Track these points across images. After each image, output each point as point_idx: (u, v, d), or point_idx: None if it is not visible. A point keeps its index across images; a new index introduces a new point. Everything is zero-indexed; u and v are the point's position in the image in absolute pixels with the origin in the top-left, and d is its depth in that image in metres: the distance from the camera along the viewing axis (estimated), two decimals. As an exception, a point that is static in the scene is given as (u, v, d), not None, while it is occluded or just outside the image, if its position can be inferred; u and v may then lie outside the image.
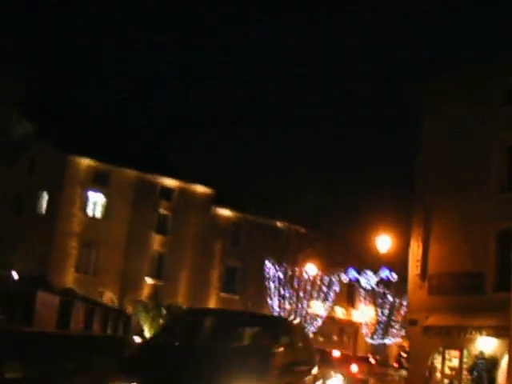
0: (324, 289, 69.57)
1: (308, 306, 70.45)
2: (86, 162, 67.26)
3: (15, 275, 68.14)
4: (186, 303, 71.00)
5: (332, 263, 67.81)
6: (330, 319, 76.36)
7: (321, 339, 76.28)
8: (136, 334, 60.66)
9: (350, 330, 79.61)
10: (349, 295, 79.03)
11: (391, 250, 48.88)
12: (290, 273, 67.52)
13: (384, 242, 48.59)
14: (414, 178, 45.42)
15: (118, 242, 67.96)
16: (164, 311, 63.85)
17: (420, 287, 43.42)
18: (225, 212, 73.45)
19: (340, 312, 79.34)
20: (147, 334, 60.95)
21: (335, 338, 78.38)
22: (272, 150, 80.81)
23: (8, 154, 71.74)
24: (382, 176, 75.49)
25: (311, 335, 71.75)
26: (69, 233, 66.11)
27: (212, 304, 72.95)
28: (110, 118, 74.94)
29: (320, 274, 68.09)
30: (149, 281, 69.36)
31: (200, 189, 72.83)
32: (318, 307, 72.98)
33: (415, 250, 44.24)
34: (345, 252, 68.42)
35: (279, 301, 68.01)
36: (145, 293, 66.93)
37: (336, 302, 76.66)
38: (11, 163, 72.98)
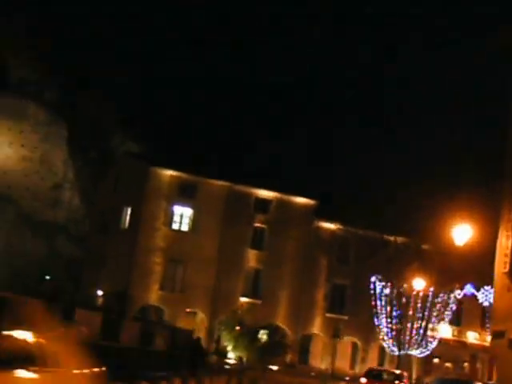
0: (438, 307, 61.22)
1: (427, 328, 62.25)
2: (169, 173, 62.88)
3: (100, 293, 64.70)
4: (287, 324, 64.81)
5: (445, 278, 59.49)
6: (459, 343, 67.52)
7: (448, 365, 67.53)
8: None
9: (484, 356, 70.05)
10: (482, 317, 69.71)
11: (472, 242, 40.73)
12: (397, 290, 59.94)
13: (462, 233, 40.49)
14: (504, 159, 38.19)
15: (207, 257, 62.88)
16: (261, 333, 57.88)
17: (508, 289, 35.68)
18: (328, 225, 66.70)
19: (472, 336, 70.09)
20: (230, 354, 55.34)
21: (466, 364, 69.13)
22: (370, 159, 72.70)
23: (100, 168, 68.74)
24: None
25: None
26: (152, 248, 61.70)
27: (317, 326, 66.12)
28: (195, 126, 70.40)
29: (431, 289, 59.95)
30: (243, 300, 63.62)
31: (300, 200, 66.61)
32: (443, 329, 64.54)
33: (503, 243, 36.60)
34: (460, 264, 59.87)
35: (387, 321, 60.48)
36: (239, 313, 61.24)
37: (467, 325, 67.87)
38: (102, 178, 69.92)
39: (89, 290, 65.39)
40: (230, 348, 55.53)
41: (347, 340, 67.88)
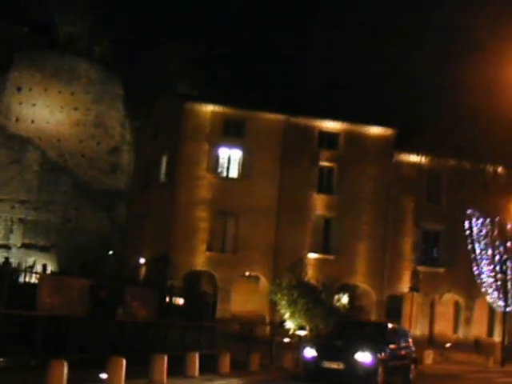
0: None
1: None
2: (210, 109, 51.62)
3: (142, 260, 54.32)
4: (368, 283, 52.94)
5: None
6: None
7: None
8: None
9: None
10: None
11: None
12: (498, 228, 47.02)
13: None
14: None
15: (264, 207, 51.42)
16: (340, 297, 46.25)
17: None
18: (412, 158, 54.01)
19: None
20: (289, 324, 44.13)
21: None
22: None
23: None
24: None
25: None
26: (195, 201, 50.66)
27: (407, 282, 53.78)
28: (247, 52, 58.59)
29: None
30: (312, 256, 51.99)
31: (375, 130, 54.20)
32: None
33: None
34: None
35: (490, 269, 47.69)
36: (308, 272, 49.64)
37: None
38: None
39: (132, 258, 55.24)
40: (287, 316, 44.10)
41: (446, 298, 55.52)
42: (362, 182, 53.30)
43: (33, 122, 67.83)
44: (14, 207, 64.57)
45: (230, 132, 51.73)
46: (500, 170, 49.61)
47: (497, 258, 46.98)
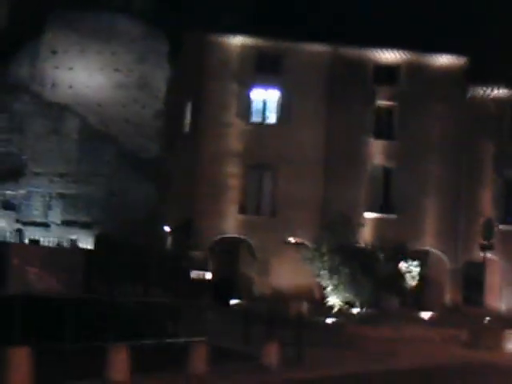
0: None
1: None
2: (240, 42, 42.41)
3: (167, 229, 45.78)
4: (440, 248, 43.40)
5: None
6: None
7: None
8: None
9: None
10: None
11: None
12: None
13: None
14: None
15: (309, 158, 42.22)
16: (407, 265, 36.96)
17: None
18: (491, 92, 43.78)
19: None
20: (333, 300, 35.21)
21: None
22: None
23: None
24: None
25: None
26: (224, 153, 41.68)
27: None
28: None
29: None
30: (370, 216, 42.50)
31: (443, 60, 44.12)
32: None
33: None
34: None
35: None
36: (365, 235, 40.20)
37: None
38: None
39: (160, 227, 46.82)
40: (329, 289, 34.81)
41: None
42: (429, 124, 43.43)
43: (70, 87, 59.98)
44: (52, 181, 57.95)
45: (265, 69, 42.39)
46: None
47: None
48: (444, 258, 43.40)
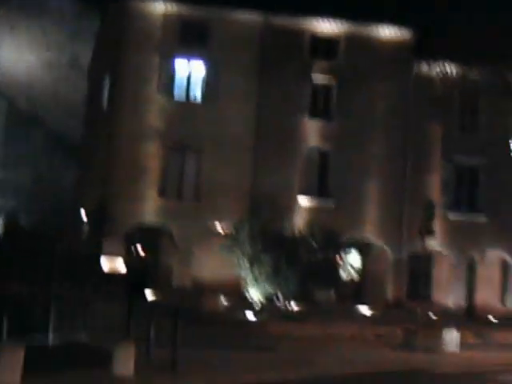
0: None
1: None
2: (161, 10, 38.21)
3: (83, 215, 41.52)
4: (382, 238, 39.68)
5: None
6: None
7: None
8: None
9: None
10: None
11: None
12: None
13: None
14: None
15: (237, 138, 38.21)
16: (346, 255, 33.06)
17: None
18: (440, 70, 39.93)
19: None
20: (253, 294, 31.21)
21: None
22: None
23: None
24: None
25: None
26: (143, 132, 37.54)
27: (436, 236, 40.07)
28: None
29: None
30: (303, 203, 38.55)
31: (388, 33, 40.25)
32: None
33: None
34: None
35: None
36: (299, 223, 36.13)
37: None
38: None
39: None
40: (249, 281, 30.64)
41: (490, 256, 41.68)
42: (371, 103, 39.52)
43: (-3, 66, 56.87)
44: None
45: (190, 40, 38.34)
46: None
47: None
48: (386, 248, 39.51)
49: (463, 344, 26.87)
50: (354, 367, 19.65)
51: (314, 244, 31.17)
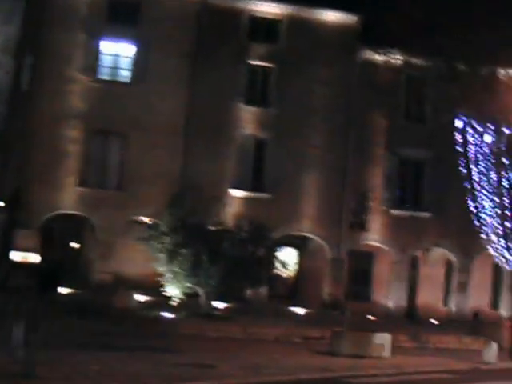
0: None
1: None
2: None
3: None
4: (320, 234, 37.44)
5: None
6: None
7: None
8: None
9: None
10: None
11: None
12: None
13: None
14: None
15: (167, 124, 35.48)
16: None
17: None
18: (386, 58, 37.64)
19: None
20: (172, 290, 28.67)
21: None
22: None
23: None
24: None
25: None
26: (63, 114, 34.78)
27: (377, 232, 37.83)
28: None
29: None
30: (236, 194, 36.18)
31: (332, 17, 37.93)
32: None
33: None
34: None
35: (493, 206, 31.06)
36: (228, 216, 33.52)
37: None
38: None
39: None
40: (168, 276, 27.98)
41: (434, 255, 39.62)
42: (311, 90, 37.16)
43: None
44: None
45: (119, 18, 35.44)
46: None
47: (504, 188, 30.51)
48: (324, 244, 37.22)
49: (398, 348, 24.67)
50: (260, 374, 17.18)
51: (241, 238, 28.61)
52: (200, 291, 27.94)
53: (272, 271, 31.31)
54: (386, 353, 22.81)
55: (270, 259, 29.32)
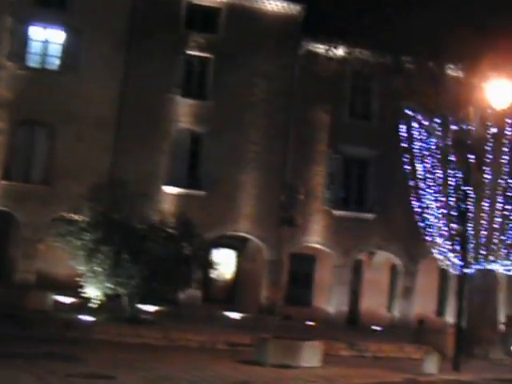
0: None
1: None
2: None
3: None
4: (258, 234, 35.69)
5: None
6: None
7: None
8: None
9: None
10: None
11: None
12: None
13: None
14: None
15: (98, 116, 33.35)
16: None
17: None
18: (330, 51, 36.01)
19: None
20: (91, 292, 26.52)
21: None
22: None
23: None
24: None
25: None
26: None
27: (319, 234, 36.16)
28: None
29: None
30: (170, 191, 34.24)
31: (274, 7, 36.17)
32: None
33: None
34: None
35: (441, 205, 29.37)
36: (160, 213, 31.33)
37: None
38: None
39: None
40: (87, 276, 25.90)
41: (379, 259, 38.12)
42: (251, 83, 35.39)
43: None
44: None
45: (48, 2, 33.48)
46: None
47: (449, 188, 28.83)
48: (263, 246, 35.38)
49: (333, 357, 22.91)
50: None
51: (166, 236, 26.56)
52: (121, 292, 25.87)
53: (203, 272, 29.28)
54: (317, 362, 20.93)
55: (200, 259, 27.30)
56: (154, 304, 29.06)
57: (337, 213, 36.11)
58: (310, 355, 20.98)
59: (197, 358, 20.74)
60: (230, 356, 21.70)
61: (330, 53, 35.26)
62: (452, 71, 29.95)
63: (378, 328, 34.28)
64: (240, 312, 32.81)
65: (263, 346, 20.90)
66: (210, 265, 28.68)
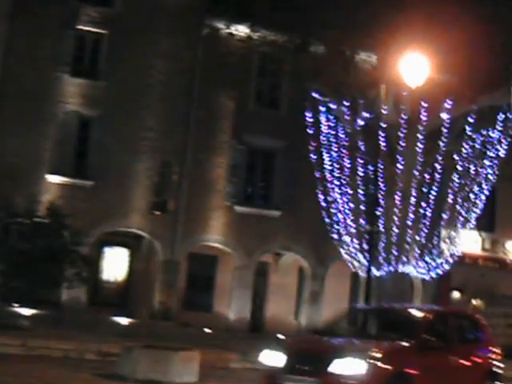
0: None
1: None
2: None
3: None
4: (150, 231, 32.32)
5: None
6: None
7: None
8: None
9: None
10: None
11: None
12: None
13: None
14: None
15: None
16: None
17: None
18: (237, 32, 32.90)
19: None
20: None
21: None
22: None
23: None
24: None
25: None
26: None
27: (218, 231, 33.06)
28: None
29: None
30: (54, 180, 30.72)
31: (176, -18, 33.18)
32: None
33: None
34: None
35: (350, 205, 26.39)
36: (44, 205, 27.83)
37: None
38: None
39: None
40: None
41: (286, 261, 35.20)
42: (149, 63, 32.09)
43: None
44: None
45: None
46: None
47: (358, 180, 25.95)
48: (157, 244, 32.09)
49: (217, 370, 19.86)
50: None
51: (32, 228, 23.16)
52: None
53: (87, 271, 25.88)
54: (193, 377, 17.68)
55: (71, 255, 23.89)
56: (32, 307, 25.67)
57: (239, 209, 32.94)
58: (185, 368, 17.73)
59: (50, 370, 17.34)
60: (93, 368, 18.36)
61: (234, 31, 32.49)
62: (363, 51, 27.38)
63: (282, 336, 31.34)
64: (132, 317, 29.72)
65: (129, 356, 17.57)
66: (85, 262, 25.15)
